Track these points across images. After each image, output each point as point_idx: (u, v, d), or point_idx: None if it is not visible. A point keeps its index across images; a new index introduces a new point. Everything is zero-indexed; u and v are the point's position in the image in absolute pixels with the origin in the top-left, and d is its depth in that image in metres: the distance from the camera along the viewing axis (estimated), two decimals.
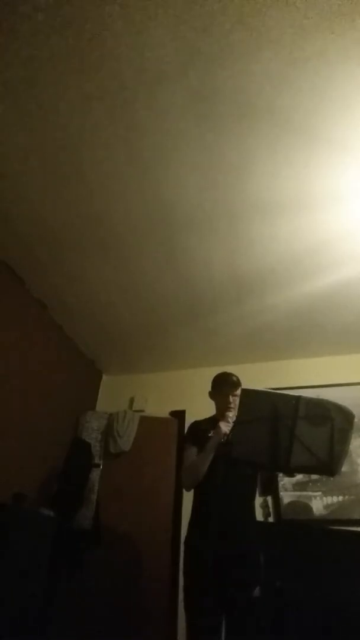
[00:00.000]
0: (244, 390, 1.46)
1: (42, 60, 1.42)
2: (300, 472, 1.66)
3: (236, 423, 1.55)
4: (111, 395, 3.56)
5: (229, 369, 2.02)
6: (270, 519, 2.63)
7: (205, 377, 2.03)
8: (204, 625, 1.47)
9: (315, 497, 2.66)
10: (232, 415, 1.70)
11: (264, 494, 2.71)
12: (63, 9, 1.28)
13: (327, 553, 2.13)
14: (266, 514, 2.64)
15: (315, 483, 2.69)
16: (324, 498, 2.64)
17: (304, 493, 2.68)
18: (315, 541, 2.23)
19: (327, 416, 1.32)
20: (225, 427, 1.65)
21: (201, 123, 1.60)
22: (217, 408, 1.85)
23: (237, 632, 1.44)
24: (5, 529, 1.79)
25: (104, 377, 3.72)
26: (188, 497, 1.84)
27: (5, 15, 1.30)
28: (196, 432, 1.81)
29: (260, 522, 2.45)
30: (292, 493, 2.69)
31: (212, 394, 1.89)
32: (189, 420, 2.26)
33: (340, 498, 2.62)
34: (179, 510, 2.70)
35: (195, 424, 1.87)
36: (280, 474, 2.71)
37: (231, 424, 1.65)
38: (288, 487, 2.71)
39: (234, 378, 1.86)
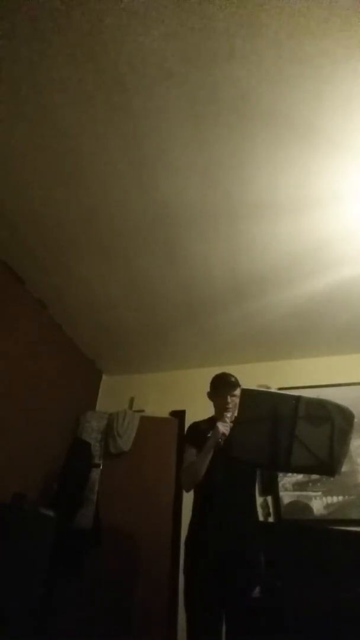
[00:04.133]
0: (244, 390, 1.46)
1: (42, 60, 1.42)
2: (300, 472, 1.66)
3: (236, 423, 1.55)
4: (111, 395, 3.56)
5: (228, 369, 2.02)
6: (270, 519, 2.63)
7: (205, 377, 2.03)
8: (204, 625, 1.47)
9: (315, 497, 2.66)
10: (230, 415, 1.70)
11: (264, 493, 2.74)
12: (63, 9, 1.28)
13: (327, 553, 2.13)
14: (266, 514, 2.64)
15: (315, 483, 2.69)
16: (324, 498, 2.64)
17: (304, 493, 2.68)
18: (315, 541, 2.22)
19: (327, 416, 1.32)
20: (223, 427, 1.65)
21: (201, 123, 1.60)
22: (216, 409, 1.85)
23: (237, 632, 1.45)
24: (5, 529, 1.79)
25: (104, 377, 3.72)
26: (188, 497, 1.84)
27: (5, 15, 1.30)
28: (195, 433, 1.81)
29: (260, 522, 2.44)
30: (292, 493, 2.69)
31: (211, 395, 1.89)
32: (189, 420, 2.26)
33: (340, 498, 2.62)
34: (179, 510, 2.70)
35: (195, 425, 1.88)
36: (280, 474, 2.72)
37: (229, 425, 1.65)
38: (288, 487, 2.71)
39: (233, 379, 1.86)
